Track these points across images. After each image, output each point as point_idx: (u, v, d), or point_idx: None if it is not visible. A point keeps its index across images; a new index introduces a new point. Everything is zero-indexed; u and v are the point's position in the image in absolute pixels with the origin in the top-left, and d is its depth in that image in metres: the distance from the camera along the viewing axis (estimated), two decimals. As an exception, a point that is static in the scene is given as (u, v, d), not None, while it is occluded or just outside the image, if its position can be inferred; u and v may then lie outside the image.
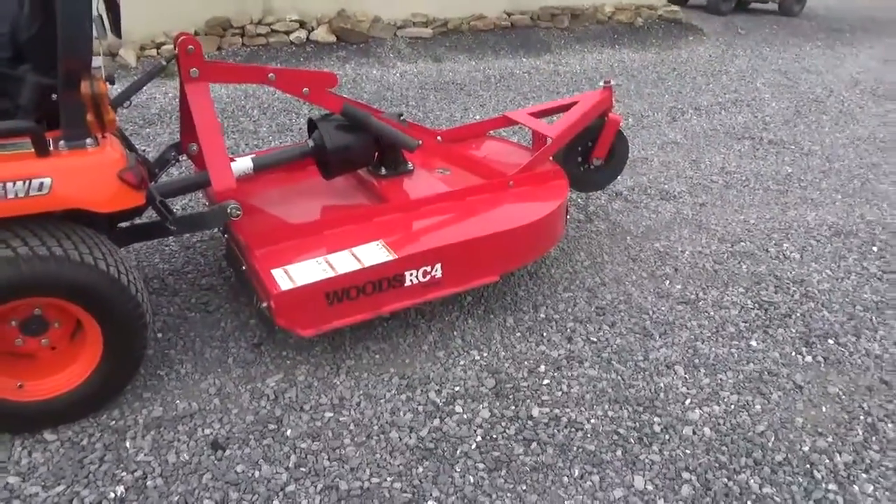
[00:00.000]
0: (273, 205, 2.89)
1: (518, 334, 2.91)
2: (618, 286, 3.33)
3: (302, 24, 7.80)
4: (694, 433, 2.41)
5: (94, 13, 2.01)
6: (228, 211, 2.41)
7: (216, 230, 3.39)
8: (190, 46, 2.52)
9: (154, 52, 6.98)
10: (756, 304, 3.23)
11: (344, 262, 2.49)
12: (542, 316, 3.05)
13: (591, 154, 3.69)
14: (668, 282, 3.40)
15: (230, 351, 2.69)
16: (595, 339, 2.91)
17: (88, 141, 2.06)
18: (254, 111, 5.72)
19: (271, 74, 2.70)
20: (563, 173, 3.32)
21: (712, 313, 3.14)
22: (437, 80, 7.16)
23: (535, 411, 2.46)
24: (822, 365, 2.83)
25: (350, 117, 2.85)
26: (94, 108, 1.99)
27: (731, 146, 5.56)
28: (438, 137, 3.58)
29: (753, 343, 2.94)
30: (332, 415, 2.40)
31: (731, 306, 3.21)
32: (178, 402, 2.41)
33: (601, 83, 3.59)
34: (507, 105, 6.44)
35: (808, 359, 2.86)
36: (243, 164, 2.78)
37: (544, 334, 2.92)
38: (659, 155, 5.25)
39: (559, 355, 2.79)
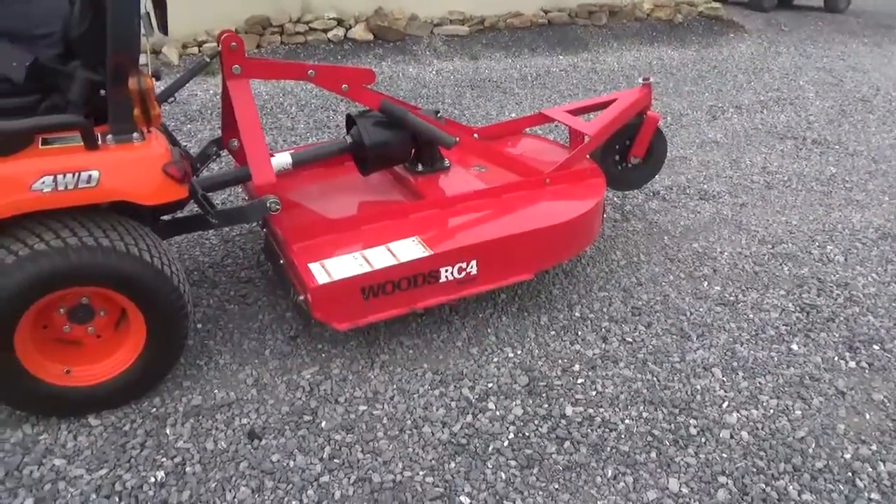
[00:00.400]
0: (311, 200, 2.93)
1: (552, 333, 2.90)
2: (654, 286, 3.29)
3: (340, 23, 7.87)
4: (731, 437, 2.37)
5: (142, 10, 2.06)
6: (268, 205, 2.46)
7: (255, 224, 3.45)
8: (233, 43, 2.57)
9: (196, 50, 7.12)
10: (797, 308, 3.16)
11: (380, 258, 2.51)
12: (577, 315, 3.03)
13: (629, 152, 3.64)
14: (706, 283, 3.35)
15: (267, 343, 2.74)
16: (630, 340, 2.87)
17: (135, 135, 2.12)
18: (292, 108, 5.80)
19: (311, 71, 2.73)
20: (600, 171, 3.29)
21: (752, 316, 3.08)
22: (473, 77, 7.16)
23: (569, 410, 2.45)
24: (867, 371, 2.75)
25: (388, 114, 2.87)
26: (140, 103, 2.04)
27: (772, 146, 5.43)
28: (475, 135, 3.58)
29: (794, 347, 2.88)
30: (365, 408, 2.42)
31: (771, 309, 3.14)
32: (216, 391, 2.46)
33: (640, 80, 3.55)
34: (544, 103, 6.40)
35: (852, 364, 2.79)
36: (282, 159, 2.82)
37: (579, 333, 2.90)
38: (698, 154, 5.16)
39: (594, 355, 2.76)
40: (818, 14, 12.12)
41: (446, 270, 2.58)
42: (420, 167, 3.15)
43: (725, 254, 3.65)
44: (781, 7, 12.49)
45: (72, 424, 2.27)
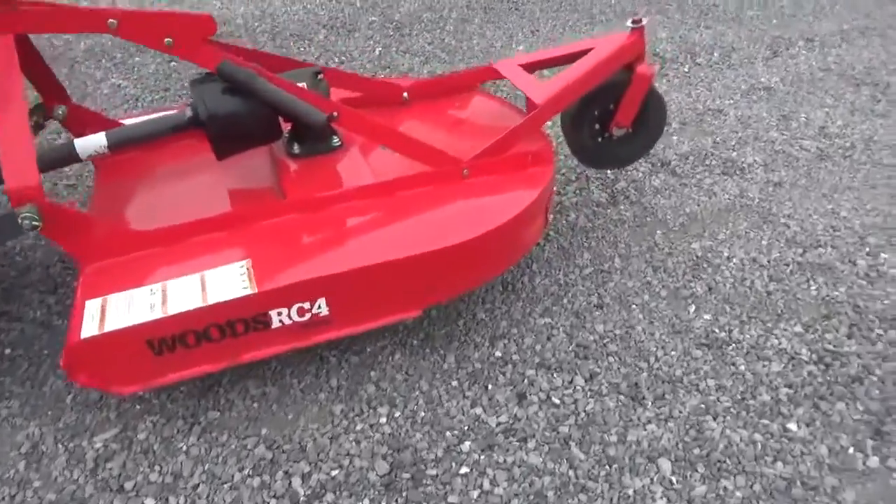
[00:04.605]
0: (134, 197, 2.22)
1: (454, 383, 2.15)
2: (619, 310, 2.45)
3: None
4: (655, 588, 1.62)
5: None
6: (20, 220, 1.76)
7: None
8: (-16, -13, 1.82)
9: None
10: (814, 356, 2.26)
11: (182, 296, 1.80)
12: (497, 355, 2.26)
13: (612, 120, 2.72)
14: (692, 307, 2.48)
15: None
16: (557, 401, 2.10)
17: None
18: (261, 39, 5.00)
19: (111, 20, 1.94)
20: (550, 155, 2.40)
21: (743, 367, 2.22)
22: (489, -3, 6.07)
23: (428, 525, 1.74)
24: (894, 475, 1.89)
25: (229, 79, 2.07)
26: None
27: (841, 96, 4.24)
28: (405, 94, 2.74)
29: (792, 426, 2.02)
30: (152, 503, 1.79)
31: (774, 356, 2.26)
32: (-29, 463, 1.89)
33: (629, 23, 2.56)
34: (565, 32, 5.31)
35: (873, 461, 1.92)
36: (94, 140, 2.10)
37: (489, 387, 2.14)
38: (739, 106, 4.07)
39: (497, 425, 2.01)
40: None
41: (279, 314, 1.85)
42: (296, 148, 2.36)
43: (734, 260, 2.73)
44: None
45: None
